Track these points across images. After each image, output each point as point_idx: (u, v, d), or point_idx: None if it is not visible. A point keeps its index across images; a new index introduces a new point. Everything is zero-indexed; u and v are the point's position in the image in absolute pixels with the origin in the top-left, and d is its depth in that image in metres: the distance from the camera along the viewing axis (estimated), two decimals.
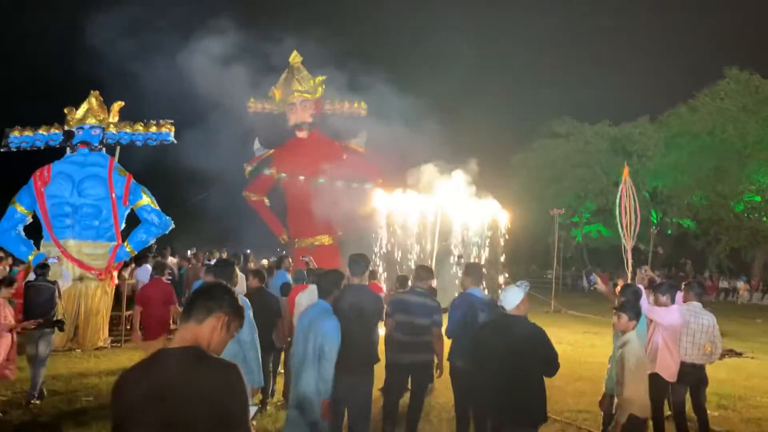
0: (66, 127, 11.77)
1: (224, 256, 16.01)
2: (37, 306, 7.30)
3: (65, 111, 11.92)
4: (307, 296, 6.53)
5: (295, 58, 19.70)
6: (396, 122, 18.06)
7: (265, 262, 15.87)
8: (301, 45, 20.02)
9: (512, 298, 4.53)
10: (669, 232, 33.50)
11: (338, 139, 19.67)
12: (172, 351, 2.17)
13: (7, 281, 6.86)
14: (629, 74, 41.34)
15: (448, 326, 5.83)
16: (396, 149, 16.47)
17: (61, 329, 7.72)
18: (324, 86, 19.50)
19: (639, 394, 4.51)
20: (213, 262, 14.02)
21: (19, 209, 11.30)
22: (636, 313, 4.88)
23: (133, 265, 13.29)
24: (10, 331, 6.57)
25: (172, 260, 15.00)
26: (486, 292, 6.41)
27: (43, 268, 7.81)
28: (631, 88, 38.87)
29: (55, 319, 7.41)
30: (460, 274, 9.90)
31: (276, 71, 20.07)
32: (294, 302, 6.89)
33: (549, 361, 4.39)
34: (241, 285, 7.55)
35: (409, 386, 6.01)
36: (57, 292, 7.61)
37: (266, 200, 20.40)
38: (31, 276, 8.58)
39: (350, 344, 4.71)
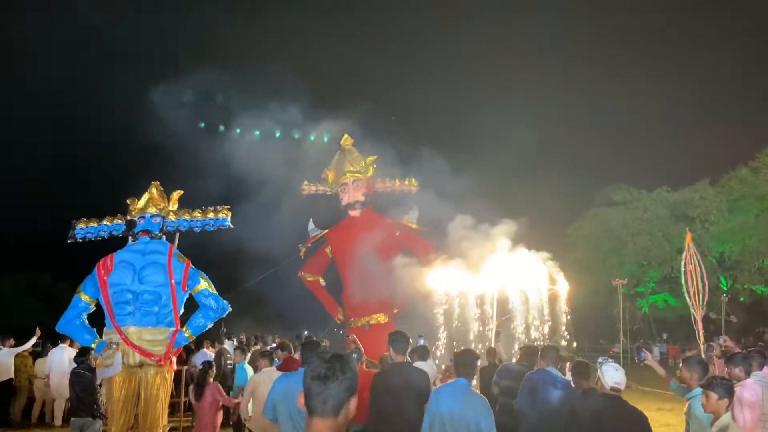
0: (128, 217, 12.19)
1: (276, 340, 15.90)
2: (78, 393, 7.49)
3: (128, 201, 12.39)
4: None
5: (346, 140, 20.23)
6: (448, 198, 18.11)
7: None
8: (353, 123, 20.62)
9: (616, 376, 4.30)
10: (741, 299, 31.86)
11: (390, 216, 19.82)
12: None
13: None
14: (684, 138, 40.65)
15: (518, 402, 5.62)
16: (448, 224, 16.42)
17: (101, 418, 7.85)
18: (375, 166, 19.85)
19: None
20: (272, 346, 14.01)
21: (84, 298, 11.59)
22: (727, 390, 4.32)
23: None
24: None
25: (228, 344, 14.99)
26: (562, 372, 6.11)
27: (82, 355, 7.94)
28: (686, 152, 38.16)
29: (97, 406, 7.53)
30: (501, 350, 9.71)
31: (329, 153, 20.66)
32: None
33: None
34: None
35: None
36: (94, 379, 7.70)
37: (321, 280, 20.51)
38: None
39: (401, 420, 4.82)
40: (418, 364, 6.16)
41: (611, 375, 4.37)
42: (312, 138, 20.58)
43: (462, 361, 5.00)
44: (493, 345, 11.73)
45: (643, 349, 6.01)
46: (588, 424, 4.34)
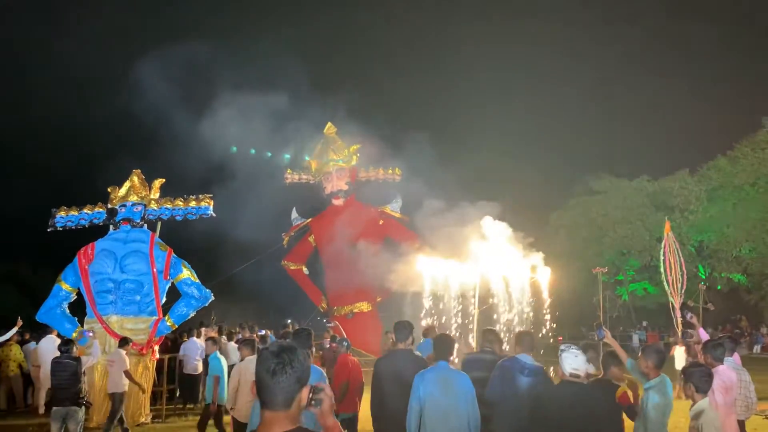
0: (109, 205, 12.10)
1: (252, 331, 15.80)
2: (61, 382, 7.46)
3: (108, 190, 12.29)
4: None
5: (329, 128, 20.18)
6: (431, 186, 18.11)
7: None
8: (335, 113, 20.50)
9: (575, 362, 4.34)
10: (719, 287, 32.34)
11: (374, 205, 19.83)
12: None
13: None
14: (664, 128, 41.10)
15: (488, 391, 5.60)
16: (431, 213, 16.43)
17: (86, 407, 7.84)
18: (358, 155, 19.83)
19: None
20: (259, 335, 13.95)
21: (64, 287, 11.52)
22: (703, 379, 4.40)
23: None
24: None
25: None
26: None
27: (66, 344, 7.93)
28: (667, 142, 38.60)
29: (81, 395, 7.51)
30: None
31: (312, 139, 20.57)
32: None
33: None
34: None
35: None
36: (79, 368, 7.68)
37: (305, 269, 20.52)
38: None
39: (400, 403, 4.98)
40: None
41: (570, 362, 4.42)
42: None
43: (440, 346, 5.30)
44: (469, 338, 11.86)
45: (602, 327, 6.07)
46: (549, 411, 4.40)
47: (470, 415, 4.86)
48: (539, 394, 4.99)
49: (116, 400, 9.05)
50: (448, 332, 11.66)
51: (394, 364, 5.64)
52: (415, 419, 4.88)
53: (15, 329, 12.56)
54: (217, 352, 8.77)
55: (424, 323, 13.81)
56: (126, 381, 9.19)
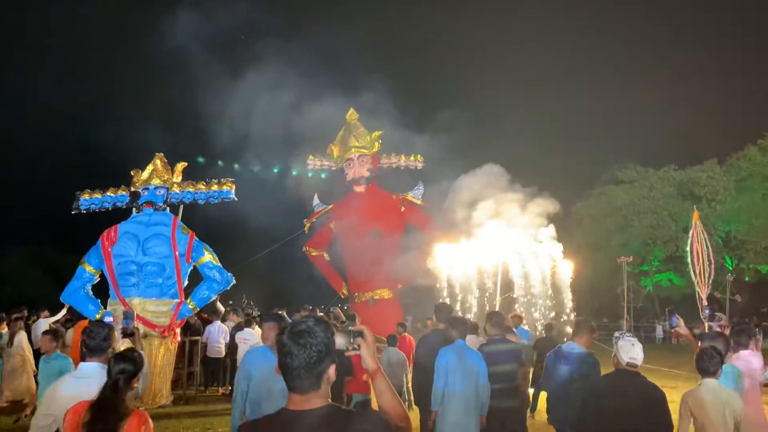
0: (132, 189, 12.17)
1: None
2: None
3: (132, 173, 12.36)
4: None
5: (351, 115, 20.07)
6: (455, 175, 17.97)
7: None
8: (359, 99, 20.38)
9: (632, 351, 4.26)
10: (746, 279, 31.78)
11: (396, 192, 19.74)
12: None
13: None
14: (693, 116, 40.32)
15: (541, 381, 5.97)
16: (454, 201, 16.32)
17: None
18: (380, 141, 19.71)
19: None
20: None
21: (88, 269, 11.63)
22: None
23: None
24: None
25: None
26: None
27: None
28: (695, 131, 37.85)
29: None
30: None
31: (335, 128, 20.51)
32: None
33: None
34: None
35: None
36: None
37: (326, 255, 20.52)
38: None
39: None
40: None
41: (627, 350, 4.30)
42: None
43: (459, 327, 5.86)
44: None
45: (675, 315, 5.82)
46: (604, 399, 4.30)
47: (480, 390, 5.50)
48: (594, 383, 4.95)
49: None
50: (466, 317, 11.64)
51: (434, 343, 6.01)
52: (442, 385, 5.48)
53: (63, 311, 12.92)
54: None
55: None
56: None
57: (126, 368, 3.38)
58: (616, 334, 4.63)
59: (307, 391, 2.05)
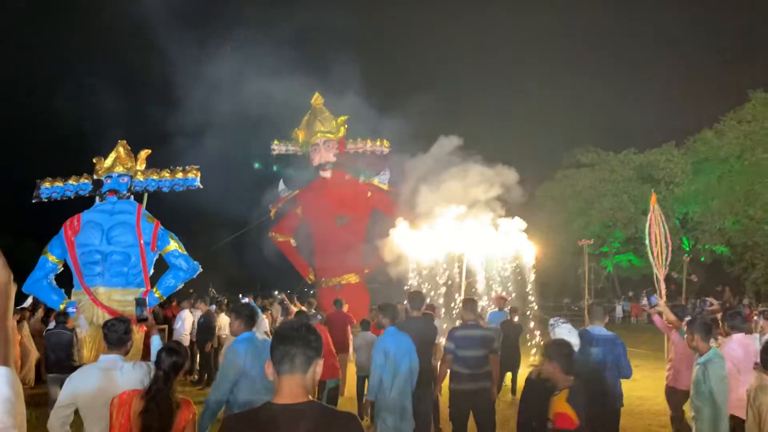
0: (95, 177, 11.96)
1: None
2: (58, 352, 7.58)
3: (94, 161, 12.13)
4: None
5: (317, 99, 19.99)
6: (418, 157, 18.04)
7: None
8: (324, 83, 20.26)
9: (568, 339, 4.37)
10: (702, 259, 32.77)
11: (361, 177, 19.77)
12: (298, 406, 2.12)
13: None
14: (652, 100, 41.13)
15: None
16: (419, 184, 16.42)
17: None
18: (346, 126, 19.70)
19: None
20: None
21: (51, 259, 11.42)
22: (707, 331, 4.49)
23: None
24: None
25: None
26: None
27: (62, 315, 8.06)
28: (654, 115, 38.68)
29: (76, 365, 7.62)
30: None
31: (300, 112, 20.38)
32: None
33: None
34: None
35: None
36: (75, 338, 7.83)
37: (292, 241, 20.51)
38: (52, 324, 8.80)
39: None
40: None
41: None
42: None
43: (387, 313, 6.15)
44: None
45: (654, 294, 5.88)
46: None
47: (413, 369, 5.74)
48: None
49: None
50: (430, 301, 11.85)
51: (412, 330, 6.08)
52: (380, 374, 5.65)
53: (29, 300, 12.82)
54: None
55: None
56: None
57: (177, 361, 3.60)
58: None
59: (294, 387, 2.14)
